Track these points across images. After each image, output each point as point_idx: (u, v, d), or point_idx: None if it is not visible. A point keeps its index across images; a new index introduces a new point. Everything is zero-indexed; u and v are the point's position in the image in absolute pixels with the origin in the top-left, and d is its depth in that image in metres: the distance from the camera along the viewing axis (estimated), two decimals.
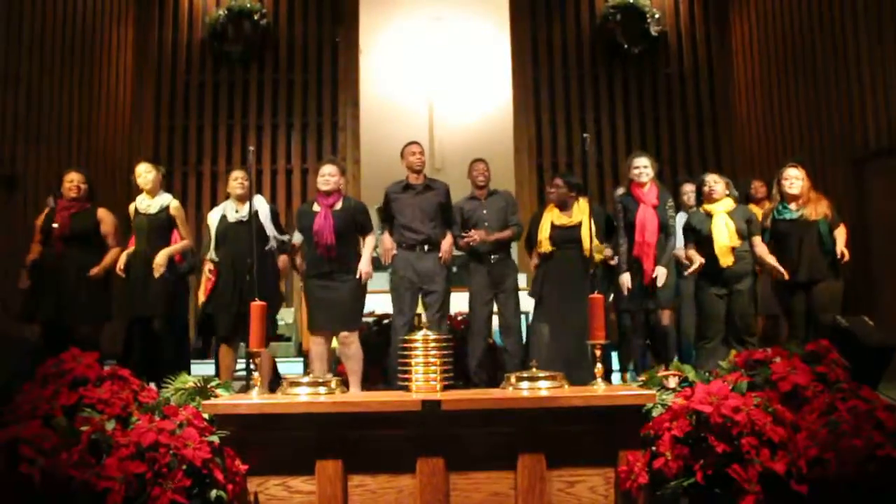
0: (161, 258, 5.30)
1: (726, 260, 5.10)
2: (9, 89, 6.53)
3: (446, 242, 5.51)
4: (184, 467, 3.07)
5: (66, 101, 7.51)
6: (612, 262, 5.59)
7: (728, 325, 5.16)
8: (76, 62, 7.67)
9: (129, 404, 3.42)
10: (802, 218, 5.19)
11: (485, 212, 5.63)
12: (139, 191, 5.57)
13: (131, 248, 5.45)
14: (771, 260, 5.14)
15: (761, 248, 5.21)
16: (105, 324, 5.52)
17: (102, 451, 3.11)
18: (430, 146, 9.67)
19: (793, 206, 5.25)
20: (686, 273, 5.37)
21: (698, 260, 5.16)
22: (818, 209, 5.20)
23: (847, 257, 5.12)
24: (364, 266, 5.13)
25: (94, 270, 5.29)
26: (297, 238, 5.47)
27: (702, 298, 5.27)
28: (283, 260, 5.62)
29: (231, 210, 5.46)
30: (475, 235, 5.53)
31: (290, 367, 6.62)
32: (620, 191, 5.89)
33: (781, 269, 5.08)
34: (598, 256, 5.42)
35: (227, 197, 5.65)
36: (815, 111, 7.39)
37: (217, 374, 5.21)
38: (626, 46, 9.19)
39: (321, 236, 5.07)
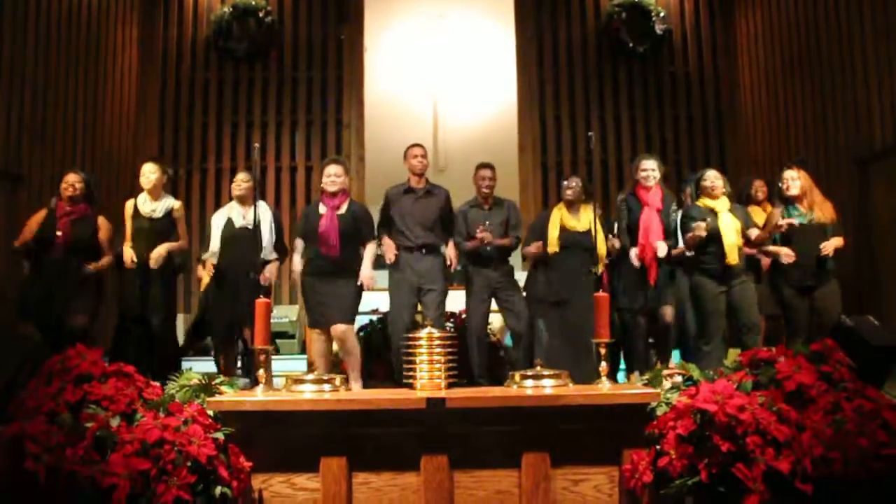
0: (162, 250, 5.32)
1: (733, 257, 5.10)
2: (14, 88, 6.53)
3: (451, 250, 5.52)
4: (188, 464, 3.08)
5: (71, 100, 7.51)
6: (615, 247, 5.57)
7: (730, 321, 5.17)
8: (81, 61, 7.66)
9: (133, 401, 3.42)
10: (812, 221, 5.20)
11: (487, 223, 5.57)
12: (140, 189, 5.57)
13: (129, 244, 5.45)
14: (773, 247, 5.19)
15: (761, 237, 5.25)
16: (94, 319, 5.52)
17: (107, 448, 3.11)
18: (434, 145, 9.70)
19: (800, 207, 5.25)
20: (687, 237, 5.28)
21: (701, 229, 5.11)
22: (825, 212, 5.21)
23: (830, 254, 5.16)
24: (366, 272, 5.14)
25: (92, 266, 5.31)
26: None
27: (701, 296, 5.23)
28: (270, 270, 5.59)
29: (237, 215, 5.51)
30: (484, 236, 5.48)
31: (293, 365, 6.64)
32: (621, 196, 5.85)
33: (787, 251, 5.11)
34: (603, 248, 5.42)
35: (231, 199, 5.69)
36: (820, 111, 7.37)
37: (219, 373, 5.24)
38: (630, 45, 9.16)
39: (326, 239, 5.09)
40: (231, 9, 8.99)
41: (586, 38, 9.42)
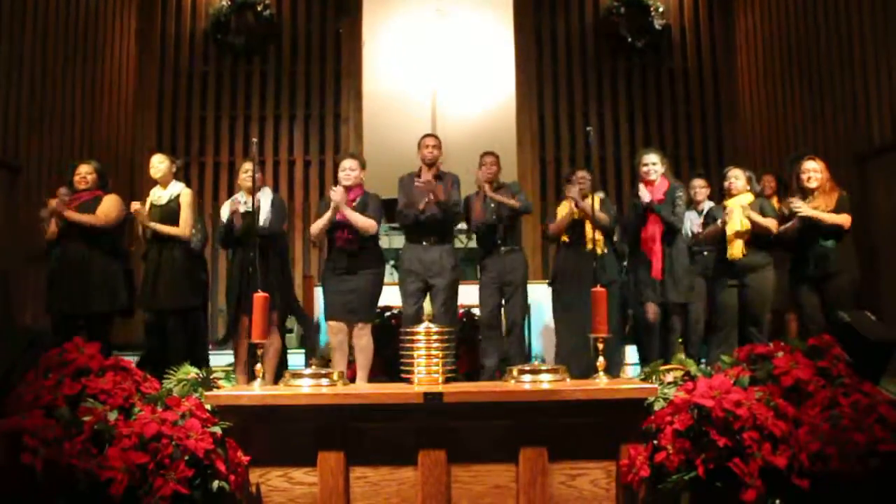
0: (149, 223, 5.36)
1: (734, 250, 5.18)
2: (12, 79, 6.51)
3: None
4: (186, 458, 3.08)
5: (70, 91, 7.49)
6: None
7: (741, 318, 5.23)
8: (79, 51, 7.64)
9: (131, 395, 3.43)
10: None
11: (492, 205, 5.64)
12: (153, 182, 5.61)
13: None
14: (757, 218, 5.29)
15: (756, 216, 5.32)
16: (116, 315, 5.53)
17: (105, 442, 3.12)
18: None
19: (808, 200, 5.26)
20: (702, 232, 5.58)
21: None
22: (827, 202, 5.19)
23: (799, 209, 5.15)
24: (336, 195, 5.16)
25: (61, 209, 5.25)
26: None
27: (714, 289, 5.42)
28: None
29: (242, 202, 5.50)
30: (482, 180, 5.62)
31: (292, 359, 6.62)
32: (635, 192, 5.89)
33: (767, 224, 5.24)
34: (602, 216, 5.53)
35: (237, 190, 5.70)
36: (819, 107, 7.36)
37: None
38: (629, 40, 9.15)
39: (342, 232, 5.18)
40: (229, 2, 8.98)
41: (585, 32, 9.41)
